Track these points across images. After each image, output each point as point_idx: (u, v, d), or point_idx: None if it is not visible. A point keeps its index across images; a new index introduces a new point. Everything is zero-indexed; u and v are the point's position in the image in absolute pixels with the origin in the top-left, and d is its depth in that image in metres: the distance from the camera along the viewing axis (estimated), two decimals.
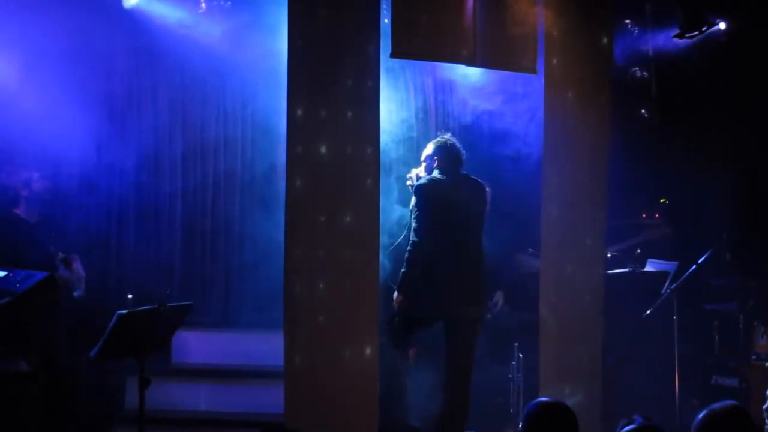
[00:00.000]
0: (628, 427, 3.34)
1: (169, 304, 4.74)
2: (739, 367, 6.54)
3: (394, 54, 5.63)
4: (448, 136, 6.13)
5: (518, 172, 6.75)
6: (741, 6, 7.16)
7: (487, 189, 6.18)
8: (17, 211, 5.73)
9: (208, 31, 6.77)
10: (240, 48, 6.82)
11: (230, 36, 6.81)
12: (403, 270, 5.78)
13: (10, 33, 6.06)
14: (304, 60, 5.38)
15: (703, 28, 6.70)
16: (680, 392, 6.45)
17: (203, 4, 6.69)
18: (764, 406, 4.35)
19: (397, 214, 6.23)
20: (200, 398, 6.60)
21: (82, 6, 6.33)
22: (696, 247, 6.77)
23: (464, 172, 6.01)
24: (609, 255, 6.68)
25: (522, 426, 3.60)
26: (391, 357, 5.86)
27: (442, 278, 5.74)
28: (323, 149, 5.41)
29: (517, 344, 6.12)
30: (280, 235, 5.43)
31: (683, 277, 6.57)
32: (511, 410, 6.10)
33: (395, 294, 5.86)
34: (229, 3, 6.76)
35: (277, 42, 5.92)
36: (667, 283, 6.70)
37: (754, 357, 6.51)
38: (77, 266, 5.59)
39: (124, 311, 4.62)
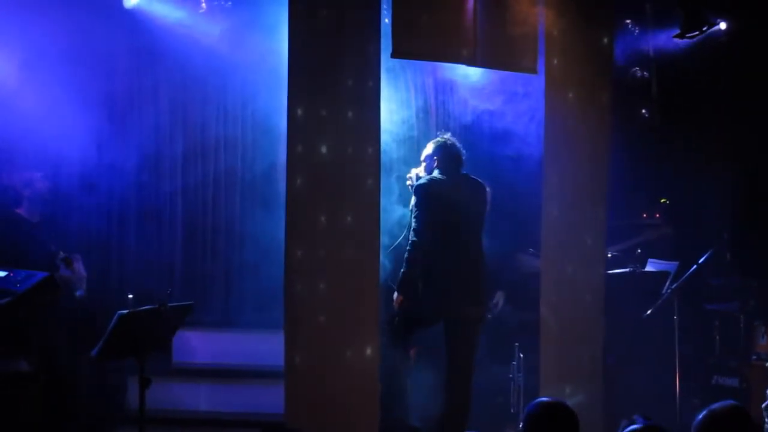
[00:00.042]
0: (632, 427, 3.34)
1: (169, 304, 4.75)
2: (739, 367, 6.54)
3: (395, 54, 5.63)
4: (447, 135, 6.13)
5: (519, 172, 6.74)
6: (741, 6, 7.15)
7: (488, 189, 6.17)
8: (19, 210, 5.74)
9: (208, 30, 6.77)
10: (240, 48, 6.82)
11: (230, 36, 6.82)
12: (402, 270, 5.78)
13: (10, 33, 6.06)
14: (305, 60, 5.38)
15: (704, 28, 6.69)
16: (681, 392, 6.45)
17: (204, 4, 6.69)
18: (763, 405, 4.35)
19: (397, 214, 6.22)
20: (201, 398, 6.61)
21: (82, 6, 6.33)
22: (696, 247, 6.77)
23: (464, 171, 6.01)
24: (609, 255, 6.68)
25: (522, 426, 3.60)
26: (391, 357, 5.85)
27: (442, 278, 5.74)
28: (324, 149, 5.41)
29: (517, 344, 6.11)
30: (280, 235, 5.43)
31: (684, 277, 6.57)
32: (512, 410, 6.09)
33: (395, 294, 5.86)
34: (230, 3, 6.75)
35: (277, 42, 5.92)
36: (667, 283, 6.70)
37: (754, 357, 6.51)
38: (79, 266, 5.60)
39: (125, 311, 4.63)
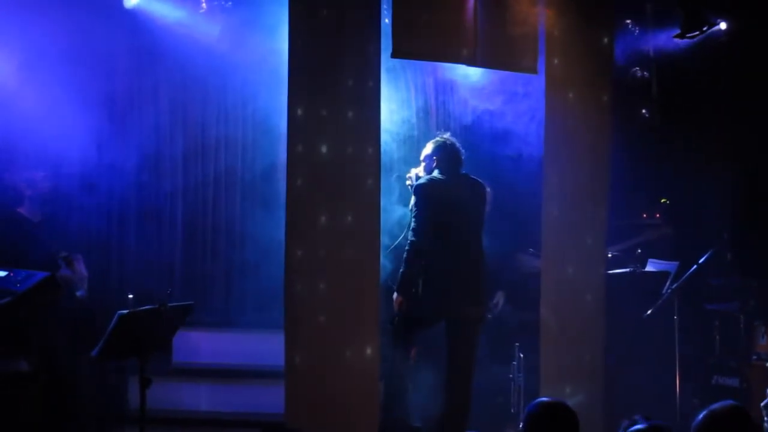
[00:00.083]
0: (636, 427, 3.33)
1: (169, 304, 4.74)
2: (739, 367, 6.54)
3: (395, 54, 5.63)
4: (447, 135, 6.13)
5: (519, 172, 6.75)
6: (741, 6, 7.15)
7: (488, 189, 6.18)
8: (20, 210, 5.74)
9: (208, 30, 6.77)
10: (240, 48, 6.81)
11: (231, 36, 6.81)
12: (401, 270, 5.79)
13: (10, 33, 6.06)
14: (305, 60, 5.39)
15: (704, 28, 6.69)
16: (681, 392, 6.45)
17: (204, 4, 6.69)
18: (762, 404, 4.36)
19: (397, 214, 6.22)
20: (201, 398, 6.61)
21: (83, 6, 6.32)
22: (696, 247, 6.77)
23: (464, 171, 6.01)
24: (610, 255, 6.67)
25: (523, 426, 3.60)
26: (391, 357, 5.86)
27: (442, 278, 5.74)
28: (324, 149, 5.42)
29: (517, 344, 6.11)
30: (280, 234, 5.44)
31: (684, 277, 6.57)
32: (512, 410, 6.08)
33: (395, 295, 5.86)
34: (230, 2, 6.75)
35: (277, 41, 5.92)
36: (667, 283, 6.70)
37: (754, 357, 6.50)
38: (80, 266, 5.59)
39: (125, 311, 4.62)
